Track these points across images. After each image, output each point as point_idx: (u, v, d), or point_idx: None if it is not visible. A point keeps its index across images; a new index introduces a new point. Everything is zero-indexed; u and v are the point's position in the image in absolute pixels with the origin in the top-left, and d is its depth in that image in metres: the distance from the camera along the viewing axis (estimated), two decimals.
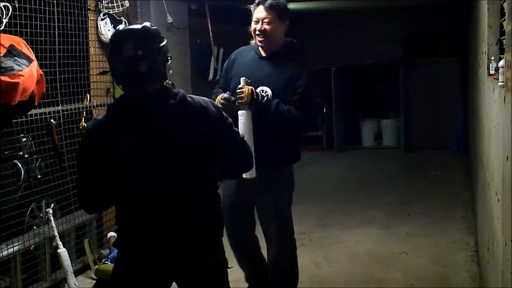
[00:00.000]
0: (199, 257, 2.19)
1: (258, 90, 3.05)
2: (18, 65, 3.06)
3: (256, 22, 3.13)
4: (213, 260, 2.23)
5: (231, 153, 2.25)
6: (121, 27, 2.27)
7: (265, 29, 3.11)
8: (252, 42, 3.37)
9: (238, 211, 3.20)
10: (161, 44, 2.18)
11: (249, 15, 3.20)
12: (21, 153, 3.71)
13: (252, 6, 3.19)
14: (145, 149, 2.10)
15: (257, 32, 3.13)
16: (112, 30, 4.46)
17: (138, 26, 2.21)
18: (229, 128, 2.25)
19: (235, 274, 3.62)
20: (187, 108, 2.13)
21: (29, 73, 3.10)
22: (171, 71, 2.28)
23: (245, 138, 2.44)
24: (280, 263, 3.28)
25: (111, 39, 2.23)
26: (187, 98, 2.17)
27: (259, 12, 3.12)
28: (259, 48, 3.23)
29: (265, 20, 3.10)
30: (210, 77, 6.51)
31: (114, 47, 2.14)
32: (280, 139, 3.12)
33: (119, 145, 2.09)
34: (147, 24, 2.23)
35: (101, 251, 4.48)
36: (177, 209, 2.15)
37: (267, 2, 3.10)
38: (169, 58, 2.23)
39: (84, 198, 2.23)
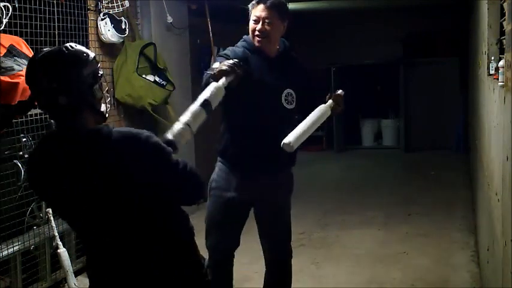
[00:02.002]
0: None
1: (283, 94, 2.95)
2: (18, 65, 3.06)
3: (256, 21, 2.97)
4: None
5: (174, 186, 2.02)
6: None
7: (265, 29, 2.94)
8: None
9: (233, 208, 3.01)
10: (77, 71, 1.90)
11: (246, 14, 3.05)
12: (21, 153, 3.71)
13: (250, 4, 3.02)
14: (76, 194, 1.94)
15: (257, 32, 2.97)
16: (112, 30, 4.47)
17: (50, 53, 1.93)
18: (166, 162, 1.96)
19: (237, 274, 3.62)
20: (112, 151, 1.90)
21: None
22: (106, 94, 2.06)
23: None
24: (277, 266, 3.23)
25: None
26: (114, 136, 1.90)
27: (259, 11, 2.95)
28: (258, 48, 3.02)
29: (266, 20, 2.94)
30: None
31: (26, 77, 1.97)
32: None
33: (50, 188, 1.98)
34: (66, 46, 1.95)
35: None
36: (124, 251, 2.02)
37: (268, 1, 2.94)
38: (96, 83, 1.95)
39: None
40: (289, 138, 2.76)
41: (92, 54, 1.97)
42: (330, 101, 2.99)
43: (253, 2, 3.00)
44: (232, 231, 3.07)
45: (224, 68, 2.61)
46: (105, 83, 2.03)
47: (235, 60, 2.70)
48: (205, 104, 2.39)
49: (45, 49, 1.95)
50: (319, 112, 2.93)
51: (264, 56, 3.01)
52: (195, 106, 2.39)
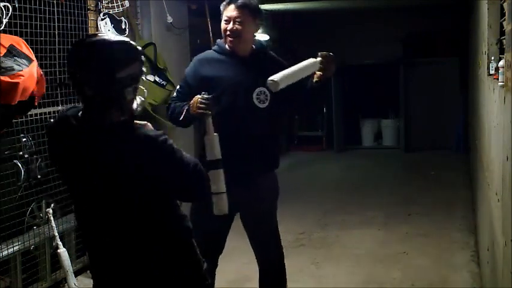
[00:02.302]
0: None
1: (255, 93, 2.91)
2: (18, 65, 3.06)
3: (227, 22, 2.98)
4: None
5: (185, 185, 2.03)
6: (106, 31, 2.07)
7: (237, 28, 2.95)
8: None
9: (217, 216, 2.79)
10: (122, 69, 1.89)
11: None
12: (21, 153, 3.71)
13: (221, 5, 3.04)
14: (86, 181, 1.98)
15: (228, 32, 2.98)
16: (112, 30, 4.46)
17: (104, 38, 1.96)
18: (178, 163, 1.97)
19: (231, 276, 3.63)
20: (128, 148, 1.91)
21: (29, 73, 3.09)
22: (137, 103, 2.01)
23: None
24: (269, 271, 3.19)
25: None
26: (133, 134, 1.92)
27: (230, 12, 2.97)
28: (230, 49, 3.03)
29: (237, 20, 2.95)
30: None
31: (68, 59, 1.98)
32: (263, 144, 2.97)
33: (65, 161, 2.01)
34: (123, 38, 2.01)
35: None
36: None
37: (239, 1, 2.95)
38: (132, 85, 1.94)
39: None
40: (275, 76, 2.72)
41: (141, 57, 1.98)
42: (319, 58, 2.89)
43: (224, 3, 3.02)
44: (215, 237, 2.99)
45: (200, 111, 2.70)
46: (140, 87, 2.02)
47: (201, 97, 2.73)
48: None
49: (104, 36, 1.99)
50: (307, 62, 2.88)
51: (236, 56, 3.02)
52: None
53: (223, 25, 3.02)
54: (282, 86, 2.72)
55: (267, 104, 2.93)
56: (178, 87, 3.09)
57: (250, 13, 2.97)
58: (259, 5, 3.04)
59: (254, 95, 2.92)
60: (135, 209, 1.96)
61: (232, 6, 2.97)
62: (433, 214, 5.64)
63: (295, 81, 2.80)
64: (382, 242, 4.94)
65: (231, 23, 2.97)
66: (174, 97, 3.04)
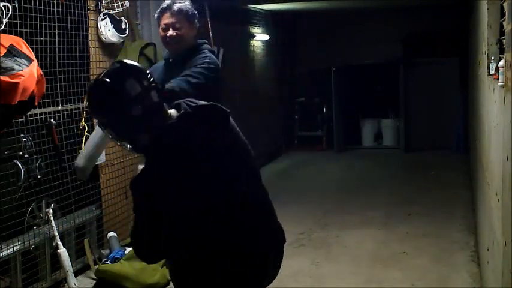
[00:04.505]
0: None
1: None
2: (18, 65, 3.06)
3: (165, 29, 3.03)
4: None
5: None
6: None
7: (176, 34, 3.01)
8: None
9: None
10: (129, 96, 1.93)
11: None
12: (21, 153, 3.71)
13: (156, 14, 3.09)
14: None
15: (167, 39, 3.03)
16: (112, 30, 4.47)
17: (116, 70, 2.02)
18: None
19: None
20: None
21: (29, 73, 3.09)
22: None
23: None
24: None
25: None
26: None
27: (166, 19, 3.02)
28: (172, 54, 3.11)
29: (176, 25, 3.00)
30: None
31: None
32: None
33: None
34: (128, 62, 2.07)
35: (101, 251, 4.48)
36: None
37: (173, 7, 3.00)
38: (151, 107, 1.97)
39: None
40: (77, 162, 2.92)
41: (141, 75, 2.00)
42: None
43: (159, 10, 3.06)
44: None
45: None
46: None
47: None
48: None
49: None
50: (97, 134, 2.93)
51: (167, 60, 3.09)
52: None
53: (161, 33, 3.07)
54: (87, 165, 2.92)
55: None
56: None
57: (186, 18, 3.03)
58: (192, 10, 3.07)
59: None
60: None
61: (167, 14, 3.02)
62: (433, 214, 5.64)
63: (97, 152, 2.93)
64: (382, 242, 4.94)
65: (170, 29, 3.02)
66: None
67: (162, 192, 1.93)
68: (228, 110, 2.07)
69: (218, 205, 1.96)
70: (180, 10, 3.01)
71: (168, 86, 2.81)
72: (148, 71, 2.04)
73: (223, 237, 1.97)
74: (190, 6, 3.07)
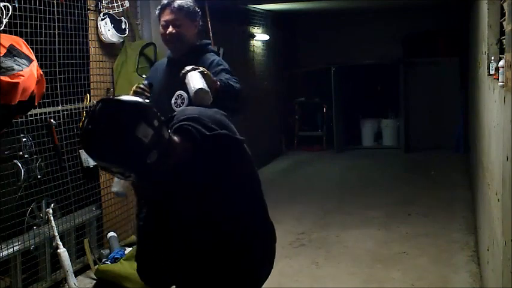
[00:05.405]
0: None
1: (174, 97, 2.85)
2: (18, 65, 3.06)
3: (165, 26, 2.99)
4: None
5: None
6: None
7: (176, 31, 2.97)
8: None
9: None
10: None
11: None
12: (21, 153, 3.71)
13: (157, 10, 3.05)
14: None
15: (167, 36, 3.00)
16: (112, 30, 4.47)
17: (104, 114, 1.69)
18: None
19: None
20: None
21: (29, 73, 3.10)
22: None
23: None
24: None
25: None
26: None
27: (166, 16, 2.99)
28: (172, 52, 3.08)
29: (176, 22, 2.96)
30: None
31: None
32: None
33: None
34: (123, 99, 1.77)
35: (101, 251, 4.48)
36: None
37: (173, 4, 2.97)
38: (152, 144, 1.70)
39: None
40: (202, 85, 2.62)
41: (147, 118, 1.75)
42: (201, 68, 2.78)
43: (159, 7, 3.02)
44: None
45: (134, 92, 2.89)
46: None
47: (138, 84, 2.92)
48: None
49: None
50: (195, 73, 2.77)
51: (172, 60, 3.05)
52: None
53: (161, 30, 3.04)
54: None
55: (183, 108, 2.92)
56: None
57: (186, 15, 2.99)
58: (193, 8, 3.05)
59: (173, 99, 2.88)
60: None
61: (168, 11, 2.99)
62: (433, 214, 5.64)
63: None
64: (382, 242, 4.94)
65: (170, 27, 2.98)
66: None
67: (175, 217, 1.90)
68: (242, 138, 1.98)
69: (229, 235, 1.93)
70: (181, 7, 2.98)
71: (181, 97, 2.80)
72: (150, 106, 1.82)
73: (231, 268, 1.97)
74: (191, 4, 3.03)
